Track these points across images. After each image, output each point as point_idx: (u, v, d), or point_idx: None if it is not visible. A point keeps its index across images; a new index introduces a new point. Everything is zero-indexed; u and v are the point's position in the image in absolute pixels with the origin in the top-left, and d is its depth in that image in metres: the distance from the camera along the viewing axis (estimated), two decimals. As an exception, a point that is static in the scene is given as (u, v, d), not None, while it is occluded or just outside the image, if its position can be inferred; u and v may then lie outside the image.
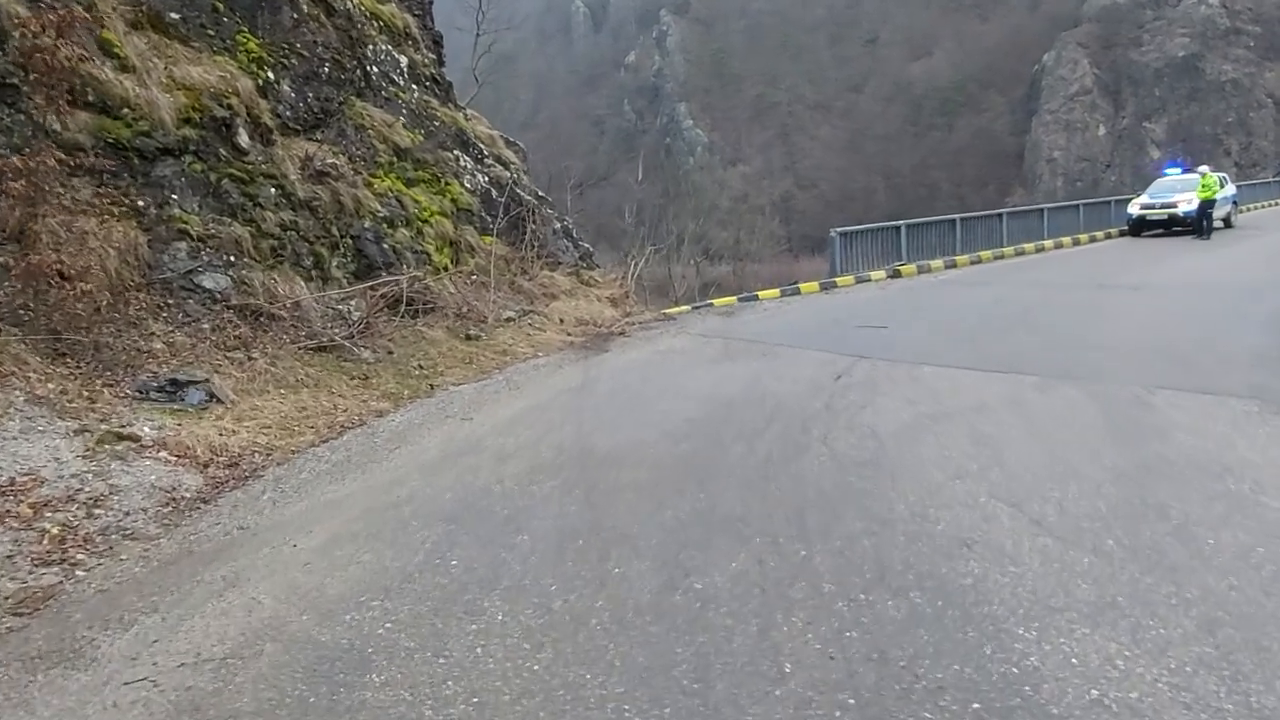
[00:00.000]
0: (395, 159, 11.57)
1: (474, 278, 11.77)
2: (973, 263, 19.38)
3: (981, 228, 21.36)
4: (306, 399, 7.29)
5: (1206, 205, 21.96)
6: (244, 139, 9.30)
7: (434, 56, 14.39)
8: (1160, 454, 5.73)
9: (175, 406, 6.58)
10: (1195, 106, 77.22)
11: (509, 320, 11.17)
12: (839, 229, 17.90)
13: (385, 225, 10.70)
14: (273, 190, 9.43)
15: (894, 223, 19.34)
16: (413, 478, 5.67)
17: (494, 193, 13.12)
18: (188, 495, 5.36)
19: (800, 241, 58.86)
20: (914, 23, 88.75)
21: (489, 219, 12.74)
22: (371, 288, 9.76)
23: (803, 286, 15.72)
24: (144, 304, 7.76)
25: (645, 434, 6.70)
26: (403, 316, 9.88)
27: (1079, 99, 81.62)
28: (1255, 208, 31.43)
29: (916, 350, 9.86)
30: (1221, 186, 24.20)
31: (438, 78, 13.96)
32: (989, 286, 15.24)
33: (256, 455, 5.93)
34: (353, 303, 9.68)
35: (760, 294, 15.03)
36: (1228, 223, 24.27)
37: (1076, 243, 22.88)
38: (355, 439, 6.52)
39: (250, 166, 9.30)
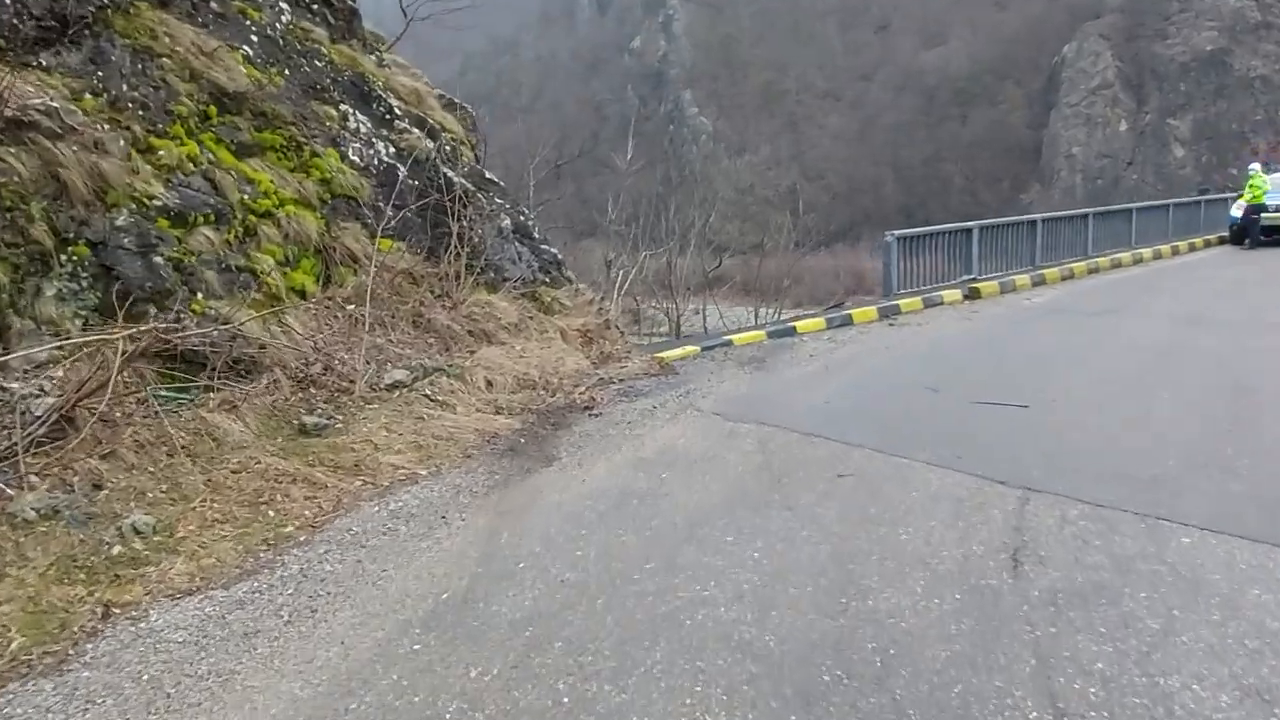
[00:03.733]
0: (215, 110, 6.74)
1: (349, 309, 6.97)
2: (1064, 278, 14.55)
3: (1066, 231, 16.55)
4: None
5: (1253, 210, 18.15)
6: None
7: (334, -28, 9.52)
8: None
9: None
10: (1222, 103, 72.24)
11: (395, 388, 6.38)
12: (896, 232, 13.08)
13: (166, 222, 5.88)
14: (-110, 152, 4.63)
15: (964, 224, 14.50)
16: None
17: (403, 172, 8.30)
18: None
19: (807, 235, 53.88)
20: (927, 10, 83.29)
21: (393, 211, 7.92)
22: (89, 345, 4.94)
23: (855, 313, 10.93)
24: None
25: None
26: (159, 398, 5.08)
27: (1100, 93, 76.65)
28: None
29: (1121, 470, 5.17)
30: None
31: (332, -1, 9.10)
32: (1121, 319, 10.42)
33: None
34: (57, 374, 4.88)
35: (798, 326, 10.22)
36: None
37: (1176, 252, 18.04)
38: None
39: None
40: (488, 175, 10.15)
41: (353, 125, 8.15)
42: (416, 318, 7.42)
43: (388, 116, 8.76)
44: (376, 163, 8.10)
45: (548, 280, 9.81)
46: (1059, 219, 16.64)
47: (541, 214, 14.82)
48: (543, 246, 10.18)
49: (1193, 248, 18.66)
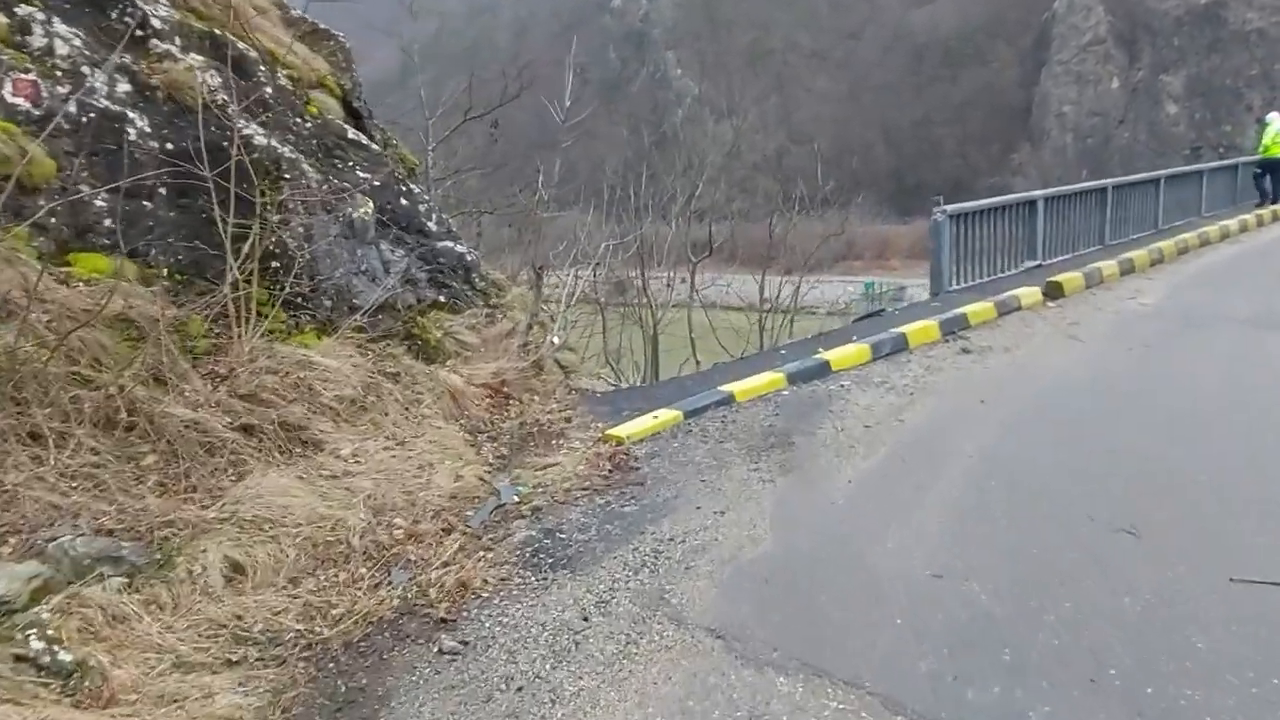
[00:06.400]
0: None
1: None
2: (1154, 262, 10.85)
3: (1135, 200, 12.83)
4: None
5: (1272, 165, 15.12)
6: None
7: None
8: None
9: None
10: (1216, 58, 68.01)
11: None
12: (949, 208, 9.28)
13: None
14: None
15: (1027, 195, 10.76)
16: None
17: (140, 126, 4.48)
18: None
19: (797, 202, 49.80)
20: (915, -34, 78.25)
21: (109, 199, 4.13)
22: None
23: (910, 333, 7.18)
24: None
25: None
26: None
27: (1092, 49, 72.38)
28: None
29: None
30: None
31: None
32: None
33: None
34: None
35: (832, 360, 6.47)
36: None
37: (1260, 222, 14.33)
38: None
39: None
40: (350, 135, 6.29)
41: (39, 42, 4.27)
42: (126, 414, 3.65)
43: (140, 33, 4.88)
44: (77, 110, 4.23)
45: (442, 300, 6.04)
46: (1128, 185, 12.86)
47: (460, 191, 10.78)
48: (440, 244, 6.39)
49: (1275, 216, 14.93)
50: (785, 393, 5.93)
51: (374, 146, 6.52)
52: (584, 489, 4.28)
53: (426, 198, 6.71)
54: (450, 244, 6.53)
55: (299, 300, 4.78)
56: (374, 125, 7.93)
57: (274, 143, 5.04)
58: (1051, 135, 71.03)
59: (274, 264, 4.68)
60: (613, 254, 11.66)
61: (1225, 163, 16.62)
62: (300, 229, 4.87)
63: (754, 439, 5.01)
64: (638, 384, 6.83)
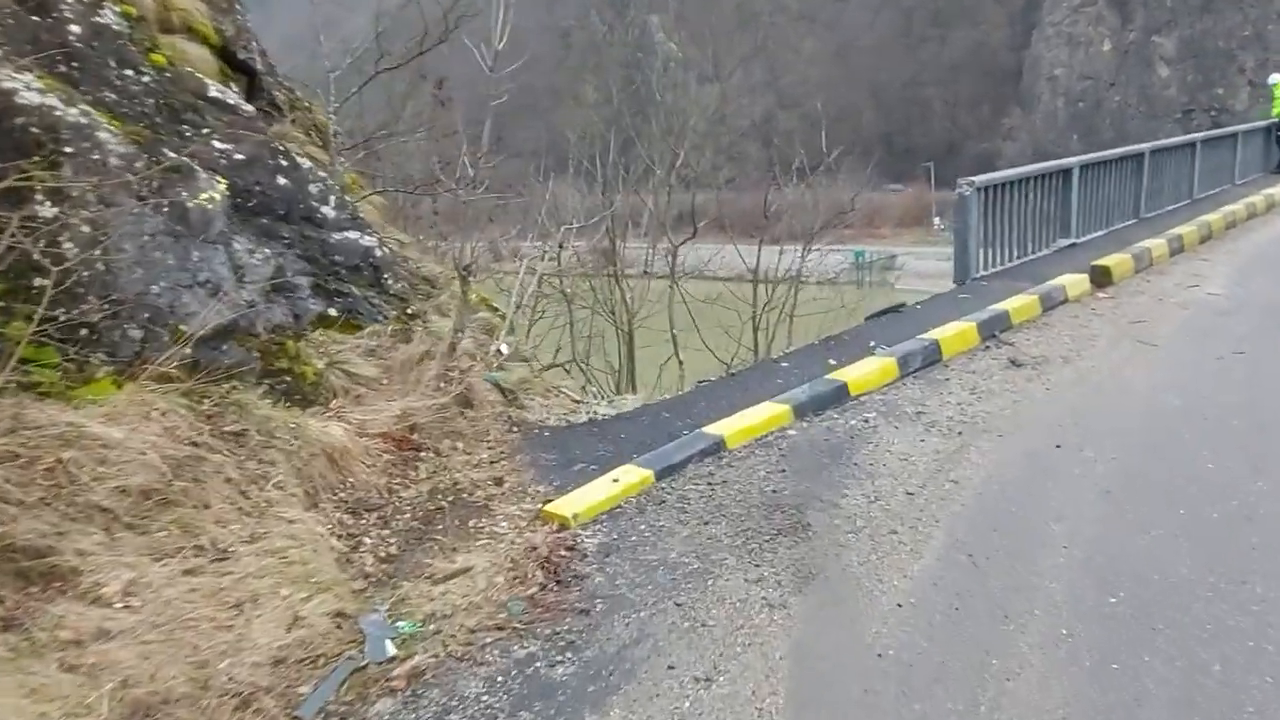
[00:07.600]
0: None
1: None
2: (1203, 239, 9.35)
3: (1170, 166, 11.29)
4: None
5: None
6: None
7: None
8: None
9: None
10: (1209, 19, 66.01)
11: None
12: (977, 180, 7.72)
13: None
14: None
15: (1060, 163, 9.17)
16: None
17: None
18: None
19: (795, 172, 47.89)
20: (904, -76, 75.45)
21: None
22: None
23: (944, 339, 5.67)
24: None
25: None
26: None
27: (1083, 10, 70.24)
28: None
29: None
30: None
31: None
32: None
33: None
34: None
35: (850, 382, 4.96)
36: None
37: (1306, 190, 12.86)
38: None
39: None
40: (212, 93, 4.66)
41: None
42: None
43: None
44: None
45: (333, 313, 4.47)
46: (1164, 150, 11.29)
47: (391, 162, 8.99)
48: (337, 237, 4.81)
49: (1315, 183, 13.45)
50: (792, 432, 4.41)
51: (246, 108, 4.89)
52: (498, 627, 2.76)
53: (323, 174, 5.08)
54: (353, 235, 4.95)
55: (85, 333, 3.21)
56: (274, 83, 6.34)
57: (53, 101, 3.42)
58: (1043, 99, 69.12)
59: (38, 281, 3.09)
60: (580, 235, 10.00)
61: (1259, 124, 15.03)
62: (86, 228, 3.27)
63: (753, 517, 3.51)
64: (604, 410, 5.27)
